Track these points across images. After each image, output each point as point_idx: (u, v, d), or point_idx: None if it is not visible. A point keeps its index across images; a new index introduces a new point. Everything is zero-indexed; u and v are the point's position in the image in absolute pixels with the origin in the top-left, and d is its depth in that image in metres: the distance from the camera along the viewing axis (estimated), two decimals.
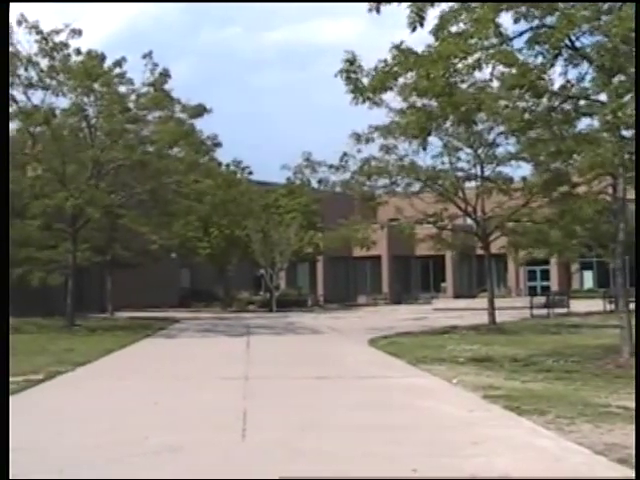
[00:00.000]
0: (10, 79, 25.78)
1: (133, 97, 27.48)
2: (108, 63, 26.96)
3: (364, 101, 13.48)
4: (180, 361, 16.10)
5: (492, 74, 13.09)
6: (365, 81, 13.14)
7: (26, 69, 25.93)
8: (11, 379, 11.32)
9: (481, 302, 30.77)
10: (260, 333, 24.85)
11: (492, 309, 25.40)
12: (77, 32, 26.13)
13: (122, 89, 27.28)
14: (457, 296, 52.01)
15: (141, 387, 11.27)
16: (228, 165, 33.53)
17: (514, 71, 12.63)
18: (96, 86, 26.30)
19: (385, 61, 12.74)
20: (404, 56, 12.49)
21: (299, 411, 8.91)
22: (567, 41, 12.35)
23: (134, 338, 21.61)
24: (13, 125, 26.78)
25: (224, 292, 50.11)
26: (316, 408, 9.15)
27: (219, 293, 50.42)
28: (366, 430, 7.70)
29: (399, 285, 56.89)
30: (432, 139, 23.12)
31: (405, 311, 38.94)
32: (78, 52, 26.45)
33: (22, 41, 25.76)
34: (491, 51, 12.37)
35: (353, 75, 13.07)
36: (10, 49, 25.64)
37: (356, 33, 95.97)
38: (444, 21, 12.38)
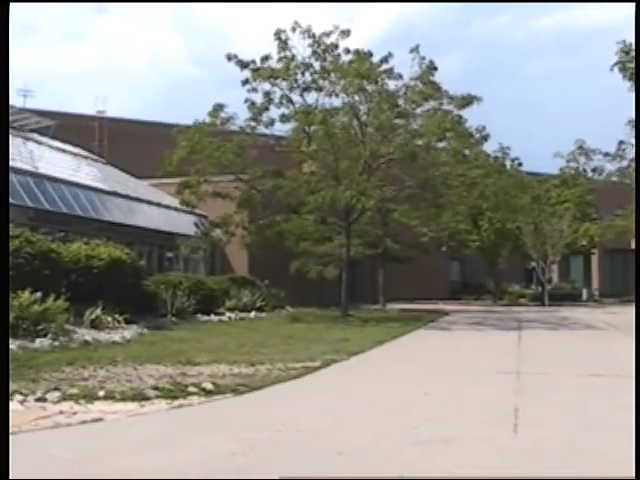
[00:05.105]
0: (288, 83, 27.28)
1: (402, 92, 27.86)
2: (375, 60, 27.60)
3: None
4: (449, 354, 16.13)
5: None
6: None
7: (303, 74, 27.27)
8: (291, 365, 12.01)
9: None
10: (532, 327, 24.26)
11: None
12: (346, 33, 27.08)
13: (391, 85, 27.81)
14: None
15: (411, 378, 11.43)
16: (497, 157, 32.98)
17: None
18: (365, 84, 27.00)
19: None
20: None
21: (574, 409, 8.58)
22: None
23: (405, 330, 21.96)
24: (289, 125, 28.35)
25: (494, 285, 49.57)
26: (592, 407, 8.76)
27: (489, 286, 49.97)
28: None
29: None
30: None
31: None
32: (347, 51, 27.34)
33: (297, 46, 27.20)
34: None
35: (629, 64, 12.37)
36: (287, 54, 27.15)
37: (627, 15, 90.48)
38: None
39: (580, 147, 44.71)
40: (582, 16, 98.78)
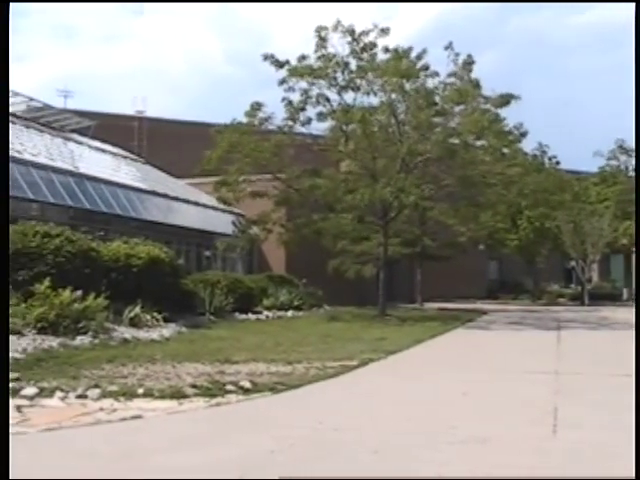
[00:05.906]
0: (326, 81, 27.29)
1: (440, 90, 27.73)
2: (412, 57, 27.51)
3: None
4: (488, 353, 16.04)
5: None
6: None
7: (343, 72, 27.26)
8: (328, 364, 12.02)
9: None
10: (571, 327, 24.04)
11: None
12: (385, 31, 27.02)
13: (428, 83, 27.71)
14: None
15: (449, 377, 11.38)
16: (535, 155, 32.61)
17: None
18: (404, 81, 26.90)
19: None
20: None
21: (614, 410, 8.47)
22: None
23: (443, 329, 21.88)
24: (326, 124, 28.36)
25: (533, 284, 49.17)
26: (633, 408, 8.65)
27: (528, 285, 49.58)
28: None
29: None
30: None
31: None
32: (386, 50, 27.29)
33: (336, 45, 27.21)
34: None
35: None
36: (323, 52, 27.16)
37: None
38: None
39: (620, 146, 44.06)
40: (621, 14, 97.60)
